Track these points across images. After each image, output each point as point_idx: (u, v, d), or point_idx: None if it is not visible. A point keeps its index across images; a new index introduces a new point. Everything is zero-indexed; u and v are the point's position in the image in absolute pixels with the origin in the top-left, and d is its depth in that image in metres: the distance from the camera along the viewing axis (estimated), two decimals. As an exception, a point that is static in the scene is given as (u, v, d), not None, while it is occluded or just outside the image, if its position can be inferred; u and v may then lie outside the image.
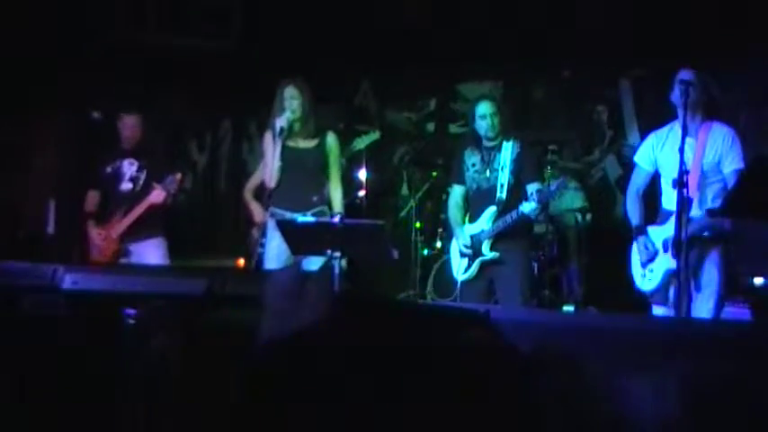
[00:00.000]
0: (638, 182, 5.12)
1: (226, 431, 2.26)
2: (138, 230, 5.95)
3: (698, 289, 4.74)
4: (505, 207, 5.32)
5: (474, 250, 5.40)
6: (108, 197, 6.09)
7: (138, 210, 5.89)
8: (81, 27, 7.03)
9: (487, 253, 5.36)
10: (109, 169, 6.06)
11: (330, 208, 5.63)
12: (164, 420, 2.62)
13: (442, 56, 7.64)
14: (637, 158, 5.15)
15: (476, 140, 5.52)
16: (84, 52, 7.12)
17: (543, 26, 7.12)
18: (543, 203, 5.28)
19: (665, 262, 4.84)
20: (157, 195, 5.86)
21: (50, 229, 7.11)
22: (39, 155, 7.35)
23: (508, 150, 5.40)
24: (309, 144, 5.63)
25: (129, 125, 6.07)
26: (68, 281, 3.14)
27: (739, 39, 6.69)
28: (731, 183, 4.69)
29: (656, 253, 4.91)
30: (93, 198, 6.15)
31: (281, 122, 5.47)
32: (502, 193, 5.35)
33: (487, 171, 5.45)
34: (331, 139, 5.67)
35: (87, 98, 7.34)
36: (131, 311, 2.74)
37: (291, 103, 5.54)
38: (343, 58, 7.70)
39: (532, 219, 5.41)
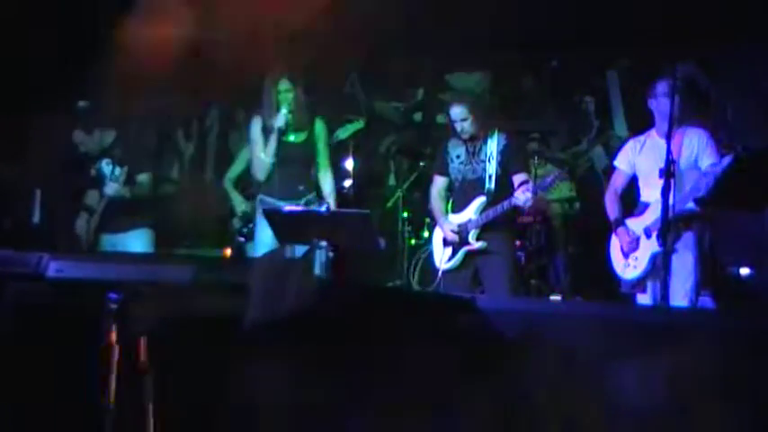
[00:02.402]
0: (617, 183, 5.36)
1: (210, 417, 2.26)
2: (120, 222, 5.90)
3: (674, 273, 4.79)
4: (494, 198, 5.32)
5: (460, 239, 5.40)
6: (101, 197, 6.08)
7: (101, 204, 5.86)
8: (69, 17, 6.98)
9: (474, 243, 5.35)
10: (93, 172, 6.04)
11: (319, 194, 5.63)
12: (149, 407, 2.61)
13: (431, 46, 7.62)
14: (617, 162, 5.38)
15: (458, 134, 5.51)
16: (72, 41, 7.07)
17: (532, 17, 7.10)
18: (536, 195, 5.27)
19: (649, 247, 4.99)
20: (109, 188, 5.82)
21: (36, 218, 7.07)
22: (25, 144, 7.31)
23: (494, 142, 5.40)
24: (300, 137, 5.65)
25: (80, 139, 6.04)
26: (53, 269, 3.13)
27: (725, 30, 6.71)
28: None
29: (637, 239, 5.06)
30: (92, 196, 6.12)
31: (278, 122, 5.48)
32: (491, 184, 5.35)
33: (473, 162, 5.45)
34: (319, 127, 5.69)
35: (73, 88, 7.29)
36: (114, 296, 2.73)
37: (287, 96, 5.53)
38: (332, 47, 7.66)
39: (524, 210, 5.44)
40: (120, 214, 5.87)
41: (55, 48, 6.95)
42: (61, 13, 6.89)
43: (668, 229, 4.58)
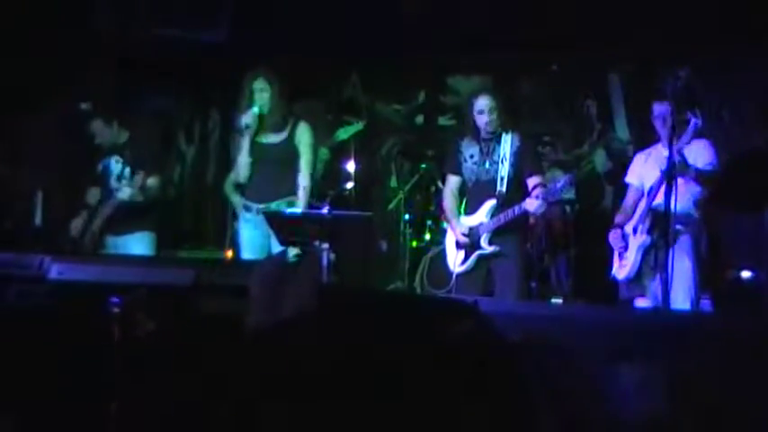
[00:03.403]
0: (630, 198, 5.43)
1: (211, 420, 2.26)
2: (122, 224, 5.85)
3: (672, 278, 4.81)
4: (506, 200, 5.26)
5: (472, 242, 5.35)
6: (103, 195, 6.04)
7: (110, 207, 5.84)
8: (68, 19, 6.98)
9: (487, 247, 5.30)
10: (100, 167, 6.00)
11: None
12: (150, 409, 2.61)
13: (432, 48, 7.62)
14: (628, 179, 5.49)
15: (474, 132, 5.41)
16: (72, 44, 7.08)
17: (533, 19, 7.11)
18: (548, 201, 5.24)
19: (636, 241, 5.10)
20: (123, 192, 5.78)
21: (37, 220, 7.07)
22: (27, 146, 7.32)
23: (508, 143, 5.31)
24: (278, 137, 5.53)
25: (99, 129, 5.98)
26: (55, 271, 3.13)
27: (721, 36, 6.72)
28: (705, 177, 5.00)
29: (625, 237, 5.19)
30: (94, 194, 6.08)
31: (246, 119, 5.39)
32: (502, 186, 5.27)
33: (487, 163, 5.35)
34: (302, 130, 5.53)
35: (75, 90, 7.30)
36: (117, 299, 2.73)
37: (261, 96, 5.43)
38: (333, 50, 7.67)
39: (536, 215, 5.41)
40: (124, 216, 5.85)
41: (55, 47, 6.96)
42: (56, 11, 6.89)
43: (667, 230, 4.63)
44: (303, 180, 5.51)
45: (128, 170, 5.76)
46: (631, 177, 5.46)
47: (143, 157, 5.85)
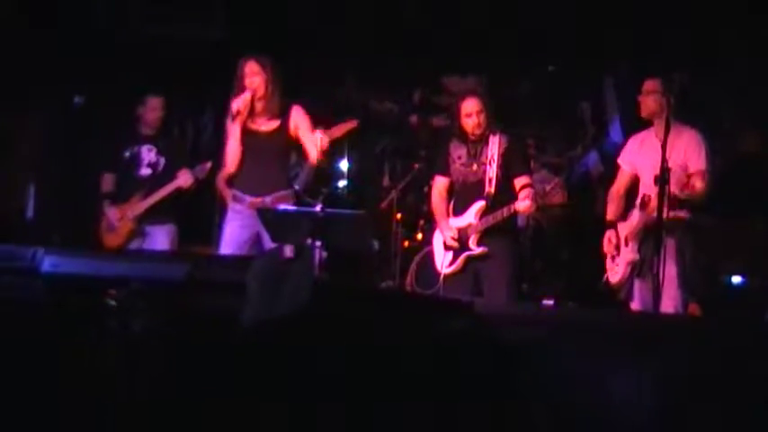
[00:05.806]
0: (620, 181, 5.39)
1: (206, 416, 2.26)
2: (154, 214, 5.86)
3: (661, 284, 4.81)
4: (494, 202, 5.29)
5: (460, 244, 5.36)
6: (125, 181, 6.00)
7: (163, 192, 5.79)
8: (63, 15, 6.97)
9: (475, 248, 5.31)
10: (127, 154, 5.95)
11: (294, 188, 5.46)
12: (144, 404, 2.61)
13: (427, 48, 7.63)
14: (620, 160, 5.44)
15: (461, 133, 5.44)
16: (67, 40, 7.07)
17: (528, 21, 7.13)
18: (537, 202, 5.27)
19: (626, 255, 5.10)
20: (185, 180, 5.73)
21: (30, 213, 7.06)
22: (19, 139, 7.30)
23: (496, 144, 5.35)
24: (272, 125, 5.34)
25: (153, 107, 5.94)
26: (48, 264, 3.13)
27: (716, 35, 6.76)
28: (697, 182, 4.86)
29: (618, 246, 5.16)
30: (108, 180, 6.05)
31: (237, 104, 5.20)
32: (490, 188, 5.30)
33: (474, 164, 5.39)
34: (296, 114, 5.34)
35: (69, 84, 7.29)
36: (111, 293, 2.73)
37: (253, 80, 5.23)
38: (327, 49, 7.68)
39: (526, 216, 5.44)
40: (155, 206, 5.85)
41: (51, 40, 6.95)
42: (52, 7, 6.88)
43: (656, 235, 4.63)
44: (308, 166, 5.39)
45: (163, 159, 5.77)
46: (623, 161, 5.39)
47: (178, 149, 5.95)
